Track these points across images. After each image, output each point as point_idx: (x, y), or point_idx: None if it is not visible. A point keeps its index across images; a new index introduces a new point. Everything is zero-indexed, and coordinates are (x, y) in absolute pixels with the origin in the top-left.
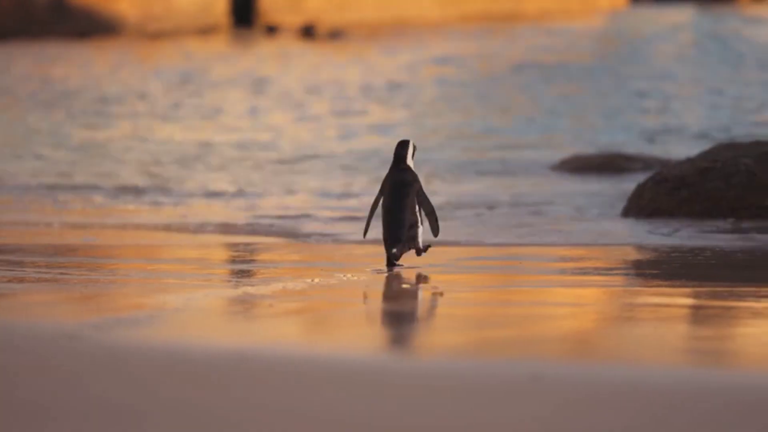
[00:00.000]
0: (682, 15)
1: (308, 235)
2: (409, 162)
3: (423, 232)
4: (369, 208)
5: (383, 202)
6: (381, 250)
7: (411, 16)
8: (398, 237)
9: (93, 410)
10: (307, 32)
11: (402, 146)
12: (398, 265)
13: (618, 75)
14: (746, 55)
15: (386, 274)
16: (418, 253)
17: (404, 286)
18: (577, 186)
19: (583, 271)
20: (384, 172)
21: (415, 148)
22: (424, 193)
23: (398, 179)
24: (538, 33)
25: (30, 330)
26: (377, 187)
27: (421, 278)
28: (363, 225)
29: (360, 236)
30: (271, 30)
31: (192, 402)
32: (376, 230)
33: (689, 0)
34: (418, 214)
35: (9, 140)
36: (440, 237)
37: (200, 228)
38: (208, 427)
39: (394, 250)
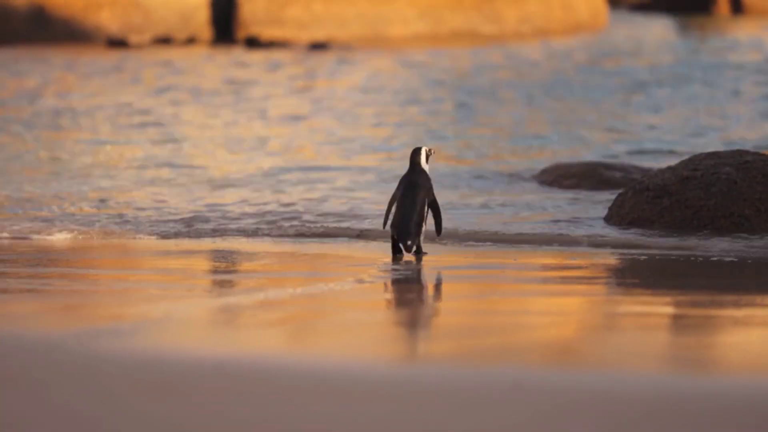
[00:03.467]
0: (663, 29)
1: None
2: (424, 166)
3: (425, 231)
4: (387, 204)
5: (399, 200)
6: (363, 259)
7: (394, 33)
8: (408, 231)
9: (57, 422)
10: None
11: (416, 152)
12: (400, 255)
13: (599, 91)
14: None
15: (367, 283)
16: (419, 254)
17: (387, 295)
18: (558, 194)
19: (565, 280)
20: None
21: (428, 153)
22: (434, 195)
23: (412, 181)
24: (519, 49)
25: (9, 340)
26: None
27: (403, 288)
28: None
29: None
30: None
31: (164, 415)
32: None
33: (667, 12)
34: (425, 213)
35: None
36: (423, 243)
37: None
38: None
39: (409, 242)
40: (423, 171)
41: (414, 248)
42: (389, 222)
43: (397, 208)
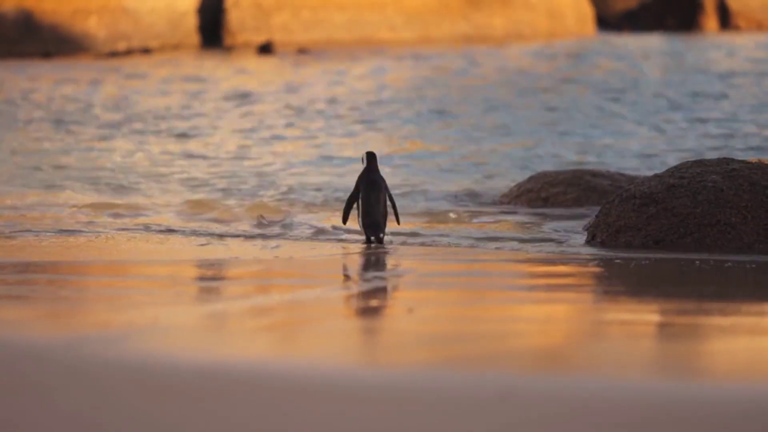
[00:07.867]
0: (652, 44)
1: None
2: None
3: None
4: (345, 203)
5: (365, 198)
6: (348, 264)
7: (380, 37)
8: (380, 224)
9: (62, 426)
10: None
11: (371, 155)
12: (374, 242)
13: (580, 99)
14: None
15: (354, 290)
16: (382, 240)
17: (373, 302)
18: (543, 202)
19: (552, 288)
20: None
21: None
22: (389, 191)
23: (373, 180)
24: (503, 55)
25: (3, 346)
26: None
27: (390, 294)
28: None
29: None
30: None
31: (153, 418)
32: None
33: (656, 29)
34: (387, 207)
35: None
36: (405, 253)
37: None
38: None
39: (381, 235)
40: (378, 171)
41: (383, 239)
42: (359, 220)
43: (369, 206)
